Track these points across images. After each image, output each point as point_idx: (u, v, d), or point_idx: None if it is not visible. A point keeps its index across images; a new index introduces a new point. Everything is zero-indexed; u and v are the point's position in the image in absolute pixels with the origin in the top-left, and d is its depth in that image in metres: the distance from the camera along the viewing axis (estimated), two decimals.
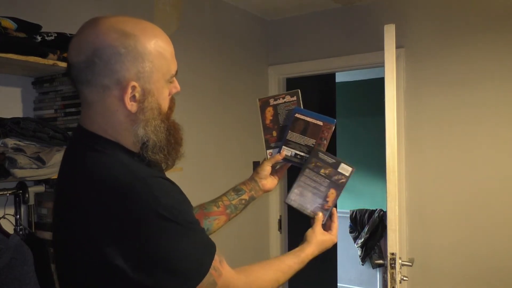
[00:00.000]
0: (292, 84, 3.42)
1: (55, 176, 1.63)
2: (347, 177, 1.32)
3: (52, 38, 1.66)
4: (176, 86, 0.99)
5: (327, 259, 3.86)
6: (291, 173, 1.43)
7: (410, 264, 2.05)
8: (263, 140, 1.39)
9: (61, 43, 1.69)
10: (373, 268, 4.81)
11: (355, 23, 3.02)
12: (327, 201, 1.32)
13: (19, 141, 1.60)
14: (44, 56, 1.61)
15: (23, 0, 1.87)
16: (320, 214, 1.30)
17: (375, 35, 2.64)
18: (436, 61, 2.73)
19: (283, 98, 1.37)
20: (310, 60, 3.20)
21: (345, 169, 1.32)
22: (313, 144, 1.33)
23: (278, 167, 1.40)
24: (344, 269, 4.85)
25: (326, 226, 1.31)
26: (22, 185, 1.69)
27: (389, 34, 1.93)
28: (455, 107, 2.67)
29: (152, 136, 0.93)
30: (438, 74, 2.73)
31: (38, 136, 1.65)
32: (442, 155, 2.71)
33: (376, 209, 4.78)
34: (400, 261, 1.92)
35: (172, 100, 0.99)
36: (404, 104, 2.81)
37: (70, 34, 1.74)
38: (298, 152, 1.34)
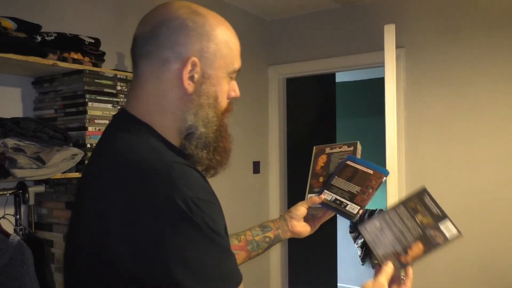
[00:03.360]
0: (292, 84, 3.42)
1: (55, 176, 1.63)
2: (446, 241, 1.06)
3: (52, 38, 1.66)
4: (235, 90, 0.93)
5: (327, 259, 3.87)
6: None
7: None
8: (308, 186, 1.30)
9: (61, 43, 1.69)
10: (373, 268, 4.80)
11: (355, 23, 3.02)
12: (407, 254, 1.05)
13: (19, 141, 1.60)
14: (44, 56, 1.61)
15: (23, 0, 1.87)
16: (391, 265, 1.03)
17: (375, 35, 2.64)
18: (436, 61, 2.73)
19: (340, 147, 1.31)
20: (310, 60, 3.20)
21: (449, 229, 1.07)
22: (357, 191, 1.18)
23: (319, 215, 1.26)
24: (344, 269, 4.85)
25: (394, 284, 1.05)
26: (22, 185, 1.69)
27: (389, 34, 1.93)
28: (456, 107, 2.67)
29: (201, 126, 0.84)
30: (438, 74, 2.73)
31: (38, 136, 1.65)
32: (442, 155, 2.71)
33: (376, 209, 4.78)
34: None
35: (229, 104, 0.92)
36: (404, 104, 2.81)
37: (70, 34, 1.74)
38: (338, 198, 1.20)
